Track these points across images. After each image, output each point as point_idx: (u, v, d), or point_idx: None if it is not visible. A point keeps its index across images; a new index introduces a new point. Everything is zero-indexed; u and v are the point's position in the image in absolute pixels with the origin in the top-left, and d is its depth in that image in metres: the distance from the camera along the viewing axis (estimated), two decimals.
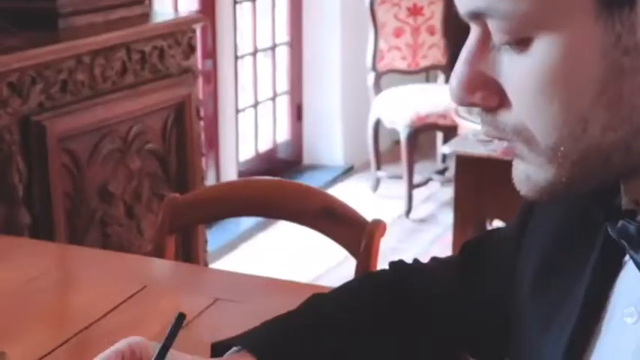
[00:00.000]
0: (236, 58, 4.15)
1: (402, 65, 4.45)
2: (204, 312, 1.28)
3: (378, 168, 4.46)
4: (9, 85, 2.08)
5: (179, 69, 2.59)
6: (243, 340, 1.00)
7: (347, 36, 4.59)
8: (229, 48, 4.08)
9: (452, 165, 4.24)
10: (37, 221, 2.15)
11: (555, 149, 0.67)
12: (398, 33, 4.40)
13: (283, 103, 4.64)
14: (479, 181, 3.20)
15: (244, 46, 4.27)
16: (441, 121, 4.11)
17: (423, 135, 4.43)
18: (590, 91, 0.65)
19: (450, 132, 3.93)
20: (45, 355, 1.17)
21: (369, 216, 1.48)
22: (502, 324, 0.96)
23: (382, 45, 4.39)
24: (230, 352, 1.01)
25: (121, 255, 1.77)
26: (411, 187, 4.19)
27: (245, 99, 4.30)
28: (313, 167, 4.71)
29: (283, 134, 4.65)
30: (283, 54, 4.59)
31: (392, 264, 1.13)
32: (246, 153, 4.32)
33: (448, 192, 4.27)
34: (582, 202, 0.77)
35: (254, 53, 4.33)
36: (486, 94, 0.70)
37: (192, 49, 2.63)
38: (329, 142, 4.71)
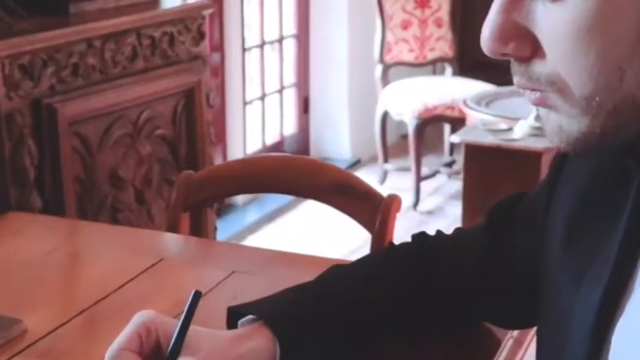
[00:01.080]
0: (243, 50, 4.15)
1: (410, 58, 4.45)
2: (221, 283, 1.27)
3: (386, 160, 4.46)
4: (20, 67, 2.08)
5: (189, 55, 2.59)
6: (260, 311, 1.00)
7: (354, 28, 4.58)
8: (237, 40, 4.08)
9: (459, 158, 4.24)
10: (48, 205, 2.15)
11: (590, 99, 0.67)
12: (405, 25, 4.40)
13: (290, 96, 4.63)
14: (488, 170, 3.20)
15: (251, 39, 4.27)
16: (449, 113, 4.10)
17: (430, 128, 4.43)
18: (627, 40, 0.64)
19: (458, 124, 3.93)
20: (61, 325, 1.16)
21: None
22: (531, 288, 0.95)
23: (389, 37, 4.39)
24: (245, 319, 1.00)
25: (136, 230, 1.78)
26: (419, 179, 4.19)
27: (252, 91, 4.30)
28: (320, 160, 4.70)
29: (290, 127, 4.65)
30: (290, 47, 4.59)
31: (415, 236, 1.12)
32: (254, 145, 4.32)
33: (456, 184, 4.27)
34: (615, 155, 0.76)
35: (261, 45, 4.33)
36: (519, 44, 0.69)
37: (201, 35, 2.63)
38: (336, 135, 4.71)
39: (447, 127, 4.51)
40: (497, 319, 1.09)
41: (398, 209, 1.45)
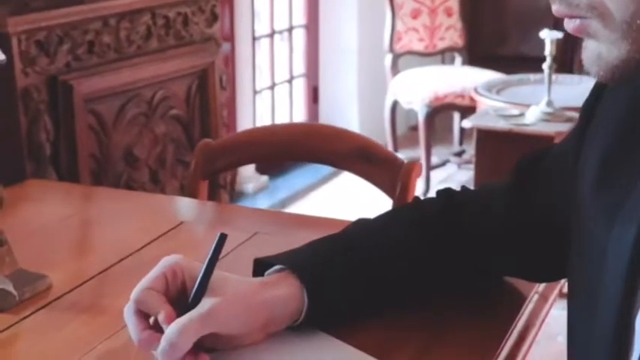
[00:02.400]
0: (254, 39, 4.15)
1: (420, 47, 4.45)
2: (243, 244, 1.27)
3: (395, 150, 4.46)
4: (37, 43, 2.08)
5: (202, 36, 2.59)
6: (286, 260, 1.00)
7: (364, 18, 4.58)
8: (247, 29, 4.08)
9: (469, 148, 4.24)
10: (63, 180, 2.15)
11: (631, 23, 0.67)
12: (415, 14, 4.40)
13: (299, 86, 4.64)
14: (499, 155, 3.20)
15: (261, 28, 4.27)
16: (459, 101, 4.10)
17: (439, 119, 4.43)
18: None
19: (468, 112, 3.92)
20: (85, 282, 1.16)
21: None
22: (557, 240, 0.94)
23: (399, 26, 4.39)
24: (272, 270, 1.00)
25: (155, 195, 1.78)
26: (429, 167, 4.19)
27: (262, 81, 4.31)
28: None
29: (300, 117, 4.65)
30: (300, 36, 4.59)
31: (439, 192, 1.12)
32: None
33: (466, 174, 4.27)
34: None
35: (271, 35, 4.34)
36: None
37: (215, 17, 2.64)
38: (345, 125, 4.67)
39: (456, 118, 4.51)
40: (523, 273, 1.08)
41: (418, 175, 1.45)
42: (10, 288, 1.09)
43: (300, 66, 4.60)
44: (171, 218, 1.37)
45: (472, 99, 3.79)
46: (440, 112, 4.22)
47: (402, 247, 1.04)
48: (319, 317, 0.97)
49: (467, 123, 3.29)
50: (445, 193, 1.11)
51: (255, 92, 4.21)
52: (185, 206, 1.47)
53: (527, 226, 1.02)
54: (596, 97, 0.88)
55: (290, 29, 4.50)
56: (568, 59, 4.43)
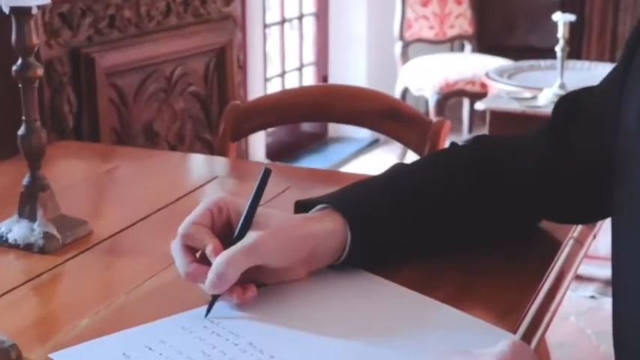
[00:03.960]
0: (264, 27, 4.16)
1: (430, 35, 4.46)
2: (277, 197, 1.28)
3: None
4: (60, 15, 2.10)
5: (220, 15, 2.61)
6: (329, 199, 1.01)
7: (373, 5, 4.60)
8: (258, 17, 4.10)
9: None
10: None
11: None
12: (425, 2, 4.41)
13: (309, 74, 4.65)
14: None
15: (272, 16, 4.29)
16: (470, 88, 4.12)
17: (449, 108, 4.44)
18: None
19: (478, 98, 3.93)
20: (125, 228, 1.18)
21: None
22: (602, 172, 0.95)
23: (409, 14, 4.41)
24: (314, 209, 1.01)
25: (188, 154, 1.79)
26: None
27: (272, 68, 4.32)
28: (338, 139, 4.72)
29: None
30: (310, 25, 4.61)
31: (477, 137, 1.12)
32: None
33: None
34: None
35: (281, 22, 4.35)
36: None
37: None
38: None
39: (465, 106, 4.52)
40: (561, 216, 1.09)
41: (447, 133, 1.46)
42: (54, 231, 1.11)
43: (310, 54, 4.62)
44: (205, 173, 1.39)
45: (483, 85, 3.80)
46: (450, 99, 4.24)
47: (442, 190, 1.04)
48: (361, 254, 0.98)
49: (480, 105, 3.31)
50: (482, 139, 1.12)
51: (265, 80, 4.22)
52: (218, 163, 1.49)
53: (568, 165, 1.02)
54: None
55: (300, 17, 4.52)
56: (576, 46, 4.45)
